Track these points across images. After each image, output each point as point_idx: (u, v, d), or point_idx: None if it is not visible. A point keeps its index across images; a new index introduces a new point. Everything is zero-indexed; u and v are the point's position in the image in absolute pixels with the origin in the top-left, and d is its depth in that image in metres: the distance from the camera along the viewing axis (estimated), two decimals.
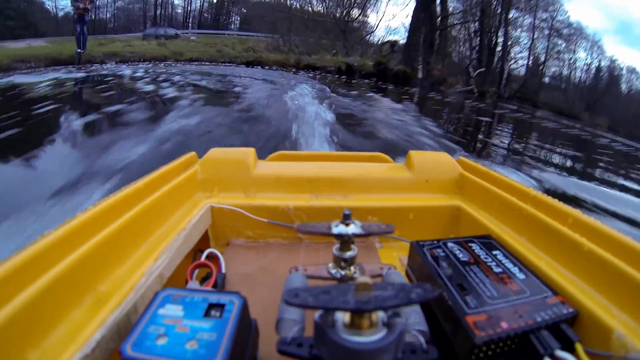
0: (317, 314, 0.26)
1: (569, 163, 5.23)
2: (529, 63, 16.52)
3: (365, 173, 0.72)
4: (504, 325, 0.33)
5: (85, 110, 4.53)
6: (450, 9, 15.24)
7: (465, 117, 8.01)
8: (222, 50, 12.88)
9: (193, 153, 0.75)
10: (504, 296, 0.36)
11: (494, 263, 0.43)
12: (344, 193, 0.69)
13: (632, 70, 18.16)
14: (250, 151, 0.74)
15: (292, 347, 0.29)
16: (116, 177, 2.43)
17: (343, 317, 0.25)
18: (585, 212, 0.48)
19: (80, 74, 7.76)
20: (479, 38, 15.11)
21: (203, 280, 0.49)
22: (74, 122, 3.93)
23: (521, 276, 0.40)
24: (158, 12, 21.87)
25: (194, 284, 0.45)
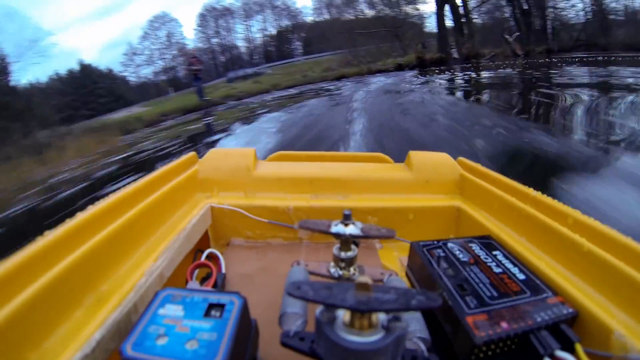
0: (318, 310, 0.26)
1: None
2: (585, 7, 14.71)
3: (366, 173, 0.72)
4: (504, 325, 0.33)
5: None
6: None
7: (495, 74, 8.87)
8: (307, 74, 14.09)
9: (193, 153, 0.75)
10: (504, 296, 0.36)
11: (494, 263, 0.43)
12: (344, 193, 0.69)
13: None
14: (250, 151, 0.74)
15: (294, 341, 0.29)
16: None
17: (343, 315, 0.25)
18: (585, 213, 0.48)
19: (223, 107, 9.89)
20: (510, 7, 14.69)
21: (203, 280, 0.49)
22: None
23: (521, 276, 0.40)
24: (223, 58, 24.08)
25: (194, 284, 0.45)
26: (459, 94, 6.56)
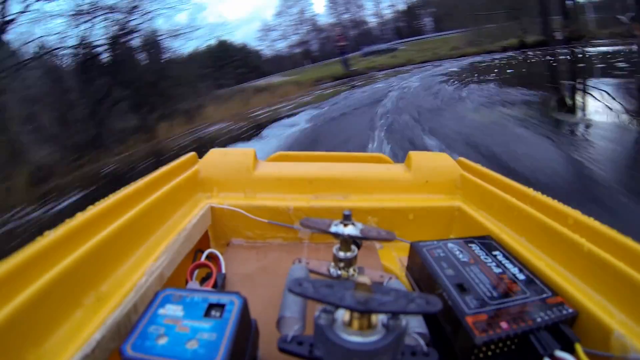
0: (316, 312, 0.26)
1: None
2: None
3: (366, 174, 0.72)
4: (504, 325, 0.33)
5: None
6: None
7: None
8: (436, 52, 15.31)
9: (193, 153, 0.75)
10: (504, 297, 0.36)
11: (493, 263, 0.43)
12: (344, 194, 0.69)
13: None
14: (250, 152, 0.74)
15: (292, 345, 0.29)
16: None
17: (343, 316, 0.25)
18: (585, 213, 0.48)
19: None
20: None
21: (203, 280, 0.49)
22: None
23: (521, 277, 0.40)
24: (354, 33, 25.35)
25: (194, 284, 0.45)
26: None
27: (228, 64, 21.80)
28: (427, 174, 0.72)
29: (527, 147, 3.19)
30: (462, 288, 0.38)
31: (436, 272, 0.41)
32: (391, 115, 5.39)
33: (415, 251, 0.46)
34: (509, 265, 0.43)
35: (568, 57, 9.40)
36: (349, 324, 0.25)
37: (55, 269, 0.34)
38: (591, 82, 5.49)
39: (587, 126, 3.74)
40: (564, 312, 0.35)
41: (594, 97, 4.61)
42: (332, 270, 0.42)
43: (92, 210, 0.45)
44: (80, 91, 7.14)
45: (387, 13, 25.70)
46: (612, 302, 0.37)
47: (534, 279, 0.40)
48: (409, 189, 0.71)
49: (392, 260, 0.61)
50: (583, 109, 4.40)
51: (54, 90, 6.70)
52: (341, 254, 0.41)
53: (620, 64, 7.02)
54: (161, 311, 0.29)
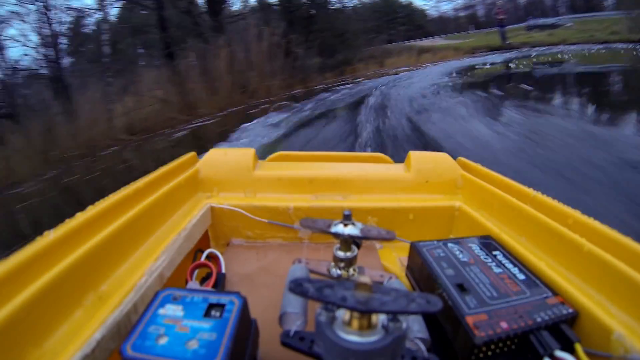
0: (318, 309, 0.26)
1: None
2: None
3: (366, 174, 0.72)
4: (504, 325, 0.33)
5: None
6: None
7: None
8: (594, 35, 13.95)
9: (193, 153, 0.75)
10: (504, 296, 0.37)
11: (493, 263, 0.43)
12: (344, 193, 0.69)
13: None
14: (250, 151, 0.74)
15: (294, 340, 0.29)
16: None
17: (343, 315, 0.25)
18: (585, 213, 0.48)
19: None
20: None
21: (203, 280, 0.49)
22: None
23: (521, 276, 0.40)
24: (523, 1, 23.50)
25: (194, 284, 0.45)
26: None
27: (393, 19, 22.15)
28: (427, 173, 0.72)
29: None
30: (462, 288, 0.38)
31: (436, 272, 0.41)
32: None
33: (415, 251, 0.46)
34: (509, 265, 0.43)
35: None
36: (349, 323, 0.25)
37: (55, 268, 0.34)
38: None
39: None
40: (564, 312, 0.35)
41: None
42: (332, 270, 0.42)
43: (93, 210, 0.45)
44: (285, 36, 9.03)
45: None
46: (612, 302, 0.37)
47: (534, 279, 0.40)
48: (409, 189, 0.71)
49: (392, 260, 0.61)
50: None
51: (268, 37, 8.50)
52: (341, 254, 0.41)
53: None
54: (161, 311, 0.29)
